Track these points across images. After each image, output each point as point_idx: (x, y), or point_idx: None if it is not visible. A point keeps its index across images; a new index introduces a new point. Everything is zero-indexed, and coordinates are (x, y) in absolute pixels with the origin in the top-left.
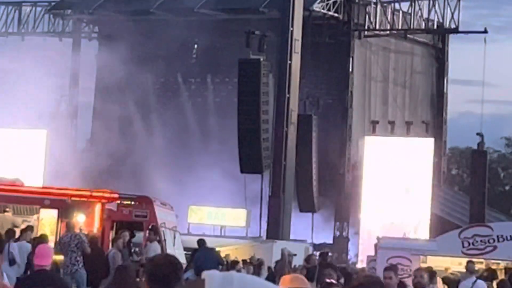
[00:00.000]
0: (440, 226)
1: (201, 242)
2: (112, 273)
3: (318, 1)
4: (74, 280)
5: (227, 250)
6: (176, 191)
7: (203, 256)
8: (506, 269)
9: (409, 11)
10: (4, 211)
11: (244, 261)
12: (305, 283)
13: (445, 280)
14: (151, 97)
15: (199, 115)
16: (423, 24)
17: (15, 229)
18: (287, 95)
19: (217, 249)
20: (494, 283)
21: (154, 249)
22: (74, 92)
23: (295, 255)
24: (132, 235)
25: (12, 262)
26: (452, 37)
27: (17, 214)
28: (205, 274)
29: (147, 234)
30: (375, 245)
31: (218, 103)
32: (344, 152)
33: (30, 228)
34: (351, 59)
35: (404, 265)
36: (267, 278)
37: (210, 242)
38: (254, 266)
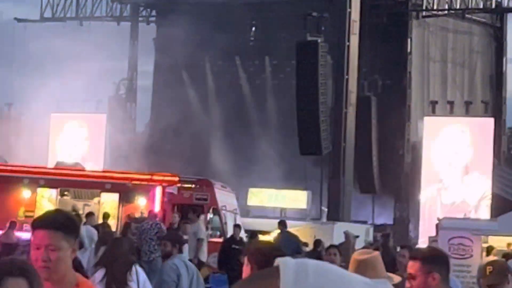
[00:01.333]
0: (500, 205)
1: (282, 224)
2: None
3: None
4: (151, 268)
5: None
6: (236, 173)
7: (284, 241)
8: None
9: None
10: (63, 195)
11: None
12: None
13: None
14: (209, 80)
15: (257, 97)
16: (481, 4)
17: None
18: (346, 77)
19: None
20: None
21: (195, 230)
22: (133, 76)
23: (357, 236)
24: (193, 219)
25: (79, 246)
26: (510, 16)
27: (78, 199)
28: (279, 261)
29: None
30: (436, 226)
31: (276, 85)
32: (403, 133)
33: (92, 213)
34: (409, 39)
35: (466, 245)
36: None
37: (271, 225)
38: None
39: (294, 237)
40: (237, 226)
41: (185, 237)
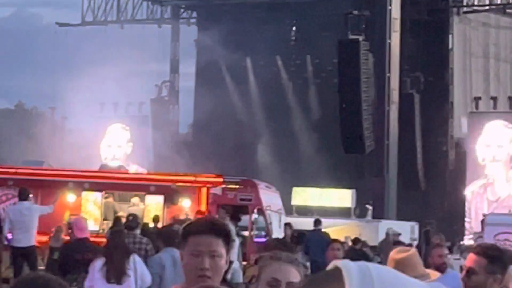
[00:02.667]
0: None
1: (317, 222)
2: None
3: None
4: None
5: (332, 230)
6: (280, 172)
7: (315, 239)
8: None
9: None
10: (108, 198)
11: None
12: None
13: None
14: (251, 80)
15: (299, 97)
16: None
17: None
18: (388, 74)
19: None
20: None
21: None
22: (175, 78)
23: (399, 234)
24: (238, 219)
25: None
26: None
27: (123, 201)
28: (342, 265)
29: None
30: (482, 222)
31: (318, 84)
32: (447, 130)
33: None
34: (450, 36)
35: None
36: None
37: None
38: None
39: (325, 235)
40: (287, 225)
41: None
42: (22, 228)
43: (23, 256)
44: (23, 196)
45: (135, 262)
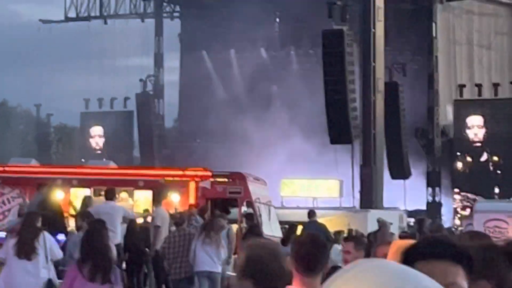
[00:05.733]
0: None
1: (311, 213)
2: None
3: None
4: None
5: (321, 221)
6: (267, 164)
7: (312, 230)
8: None
9: None
10: (99, 194)
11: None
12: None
13: None
14: (236, 72)
15: (284, 87)
16: None
17: None
18: (373, 64)
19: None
20: None
21: (162, 216)
22: (159, 72)
23: (390, 223)
24: (227, 212)
25: None
26: None
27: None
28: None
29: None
30: (471, 209)
31: (303, 75)
32: (433, 117)
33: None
34: (434, 24)
35: (502, 227)
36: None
37: (304, 214)
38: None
39: (322, 226)
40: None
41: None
42: None
43: None
44: (109, 196)
45: (45, 239)
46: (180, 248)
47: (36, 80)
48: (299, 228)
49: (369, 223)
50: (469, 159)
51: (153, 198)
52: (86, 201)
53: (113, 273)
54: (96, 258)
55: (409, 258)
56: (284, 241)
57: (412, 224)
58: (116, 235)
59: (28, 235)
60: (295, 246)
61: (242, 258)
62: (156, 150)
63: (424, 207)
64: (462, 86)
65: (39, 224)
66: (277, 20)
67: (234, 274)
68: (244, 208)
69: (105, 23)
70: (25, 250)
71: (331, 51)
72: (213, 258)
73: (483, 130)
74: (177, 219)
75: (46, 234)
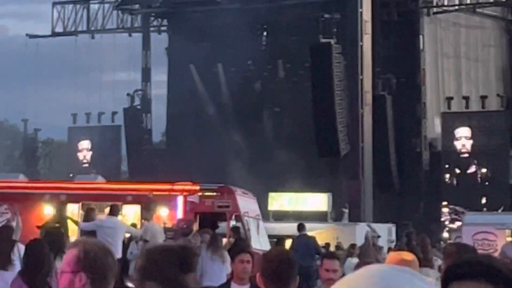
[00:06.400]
0: None
1: (300, 227)
2: None
3: None
4: None
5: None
6: (254, 179)
7: (302, 244)
8: None
9: None
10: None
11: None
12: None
13: None
14: (223, 86)
15: (272, 101)
16: None
17: None
18: (360, 77)
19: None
20: None
21: (153, 231)
22: (147, 87)
23: (379, 236)
24: (216, 226)
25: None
26: None
27: (100, 212)
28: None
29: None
30: (460, 221)
31: (291, 88)
32: (420, 130)
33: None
34: (421, 36)
35: (490, 240)
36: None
37: (293, 228)
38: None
39: (312, 239)
40: (233, 230)
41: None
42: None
43: None
44: (113, 212)
45: (19, 249)
46: None
47: (23, 95)
48: (288, 242)
49: (357, 236)
50: (457, 171)
51: (141, 212)
52: (89, 213)
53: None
54: (35, 267)
55: (446, 278)
56: None
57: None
58: (117, 250)
59: (3, 248)
60: (263, 263)
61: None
62: (144, 164)
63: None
64: (449, 99)
65: (15, 237)
66: (265, 33)
67: None
68: (232, 222)
69: (92, 37)
70: (2, 261)
71: (319, 64)
72: (222, 273)
73: (471, 142)
74: (183, 230)
75: (20, 245)
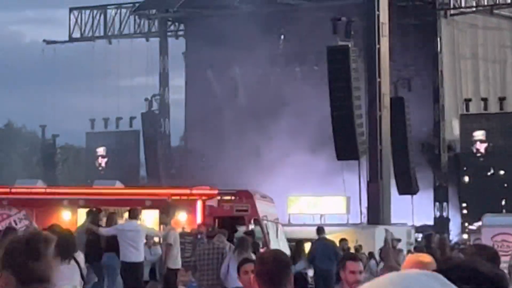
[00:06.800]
0: None
1: (320, 230)
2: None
3: None
4: None
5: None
6: (274, 181)
7: (321, 247)
8: None
9: None
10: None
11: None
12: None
13: None
14: (241, 89)
15: (290, 104)
16: None
17: None
18: (378, 79)
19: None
20: None
21: (164, 235)
22: (165, 91)
23: (399, 240)
24: (234, 230)
25: None
26: None
27: (120, 217)
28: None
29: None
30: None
31: (309, 91)
32: (439, 132)
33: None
34: (438, 38)
35: (509, 241)
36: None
37: (311, 231)
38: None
39: (331, 243)
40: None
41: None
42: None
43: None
44: (132, 215)
45: None
46: (210, 261)
47: (41, 101)
48: (307, 245)
49: (376, 239)
50: (476, 173)
51: (160, 217)
52: (111, 217)
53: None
54: None
55: None
56: (293, 258)
57: (419, 239)
58: (140, 253)
59: None
60: (258, 264)
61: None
62: (163, 169)
63: (431, 222)
64: (468, 101)
65: None
66: (282, 37)
67: None
68: (251, 226)
69: (110, 43)
70: None
71: (337, 67)
72: None
73: (489, 144)
74: (209, 233)
75: None
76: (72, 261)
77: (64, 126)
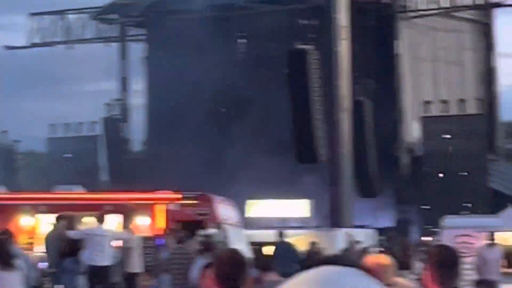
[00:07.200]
0: (497, 201)
1: (281, 234)
2: None
3: None
4: None
5: (291, 240)
6: (235, 185)
7: (283, 250)
8: None
9: None
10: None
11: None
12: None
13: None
14: (203, 93)
15: (251, 107)
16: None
17: None
18: (337, 82)
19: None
20: None
21: (135, 237)
22: (125, 96)
23: (358, 242)
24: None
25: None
26: (498, 11)
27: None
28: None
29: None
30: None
31: (269, 95)
32: (399, 135)
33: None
34: (398, 41)
35: (469, 242)
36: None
37: (273, 235)
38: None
39: (291, 246)
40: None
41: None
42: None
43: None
44: (100, 220)
45: None
46: (181, 266)
47: (2, 106)
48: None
49: (338, 242)
50: (440, 175)
51: (124, 221)
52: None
53: None
54: None
55: None
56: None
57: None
58: (106, 257)
59: None
60: (215, 264)
61: None
62: (125, 174)
63: (394, 225)
64: (428, 103)
65: None
66: (244, 40)
67: None
68: (213, 230)
69: (70, 48)
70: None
71: (296, 71)
72: None
73: (450, 146)
74: (179, 237)
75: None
76: (14, 268)
77: (26, 132)
